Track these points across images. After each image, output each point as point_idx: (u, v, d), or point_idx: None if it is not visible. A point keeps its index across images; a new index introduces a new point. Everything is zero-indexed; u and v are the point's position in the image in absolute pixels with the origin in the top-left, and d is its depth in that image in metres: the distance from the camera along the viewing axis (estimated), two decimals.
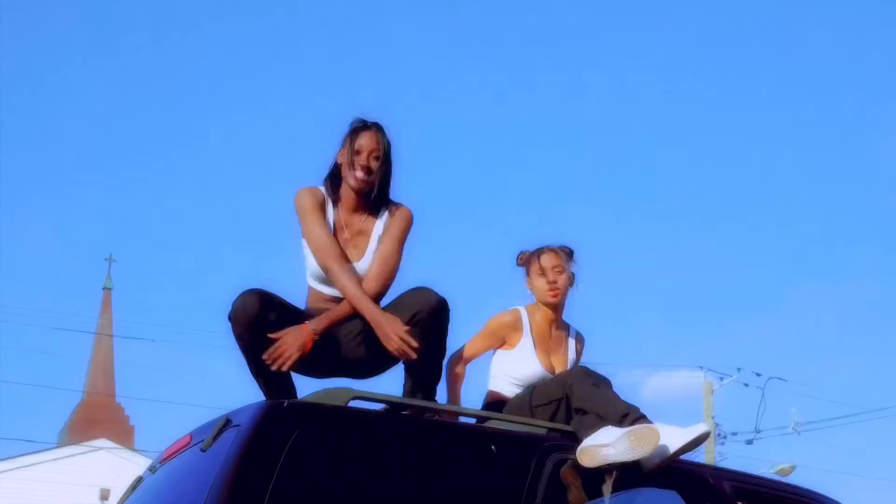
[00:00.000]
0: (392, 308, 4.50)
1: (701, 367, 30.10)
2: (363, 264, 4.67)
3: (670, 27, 48.23)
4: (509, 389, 5.03)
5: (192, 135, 49.91)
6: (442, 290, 4.51)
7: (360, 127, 4.77)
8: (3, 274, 44.88)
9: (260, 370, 4.37)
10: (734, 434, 29.46)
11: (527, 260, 5.28)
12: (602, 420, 4.40)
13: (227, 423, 3.94)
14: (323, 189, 4.77)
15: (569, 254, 5.29)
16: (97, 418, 31.52)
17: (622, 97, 48.50)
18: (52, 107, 48.71)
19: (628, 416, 4.39)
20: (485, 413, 4.74)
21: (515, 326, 5.13)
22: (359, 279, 4.56)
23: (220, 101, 50.27)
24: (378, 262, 4.66)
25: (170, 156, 49.27)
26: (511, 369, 5.07)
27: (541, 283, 5.18)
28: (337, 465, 3.84)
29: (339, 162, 4.78)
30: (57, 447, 29.70)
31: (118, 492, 23.21)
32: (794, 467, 26.74)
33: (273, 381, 4.39)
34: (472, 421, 4.65)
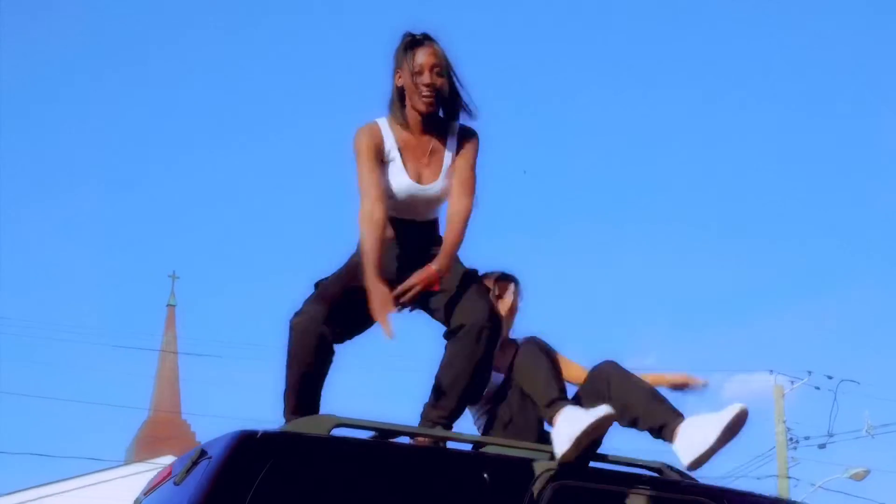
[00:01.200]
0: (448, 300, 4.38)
1: (771, 371, 29.77)
2: (438, 185, 4.54)
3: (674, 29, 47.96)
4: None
5: (255, 149, 50.22)
6: None
7: (413, 43, 4.51)
8: (68, 294, 45.47)
9: (297, 383, 4.28)
10: (807, 438, 29.07)
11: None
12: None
13: (201, 454, 3.81)
14: (385, 122, 4.59)
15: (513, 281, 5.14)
16: (163, 435, 31.81)
17: (625, 98, 48.28)
18: (110, 124, 49.30)
19: (553, 404, 4.24)
20: (483, 438, 4.49)
21: None
22: (378, 247, 4.37)
23: (287, 111, 50.50)
24: (458, 182, 4.51)
25: (232, 169, 49.62)
26: None
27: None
28: (314, 498, 3.65)
29: (399, 85, 4.54)
30: (124, 465, 29.99)
31: None
32: (868, 471, 26.38)
33: (303, 396, 4.30)
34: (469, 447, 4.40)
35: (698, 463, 4.09)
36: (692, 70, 47.56)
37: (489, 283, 5.01)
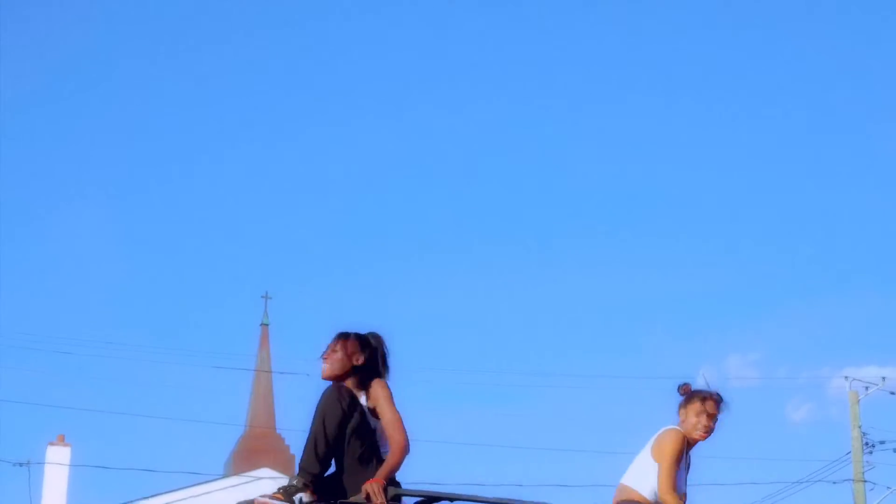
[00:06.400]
0: None
1: (846, 378, 30.36)
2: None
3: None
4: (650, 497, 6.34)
5: (343, 161, 51.32)
6: None
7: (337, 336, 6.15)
8: (167, 318, 47.06)
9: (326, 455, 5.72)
10: (882, 443, 29.58)
11: (690, 395, 6.58)
12: None
13: None
14: None
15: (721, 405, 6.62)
16: (260, 449, 33.05)
17: (617, 94, 49.04)
18: (203, 150, 50.83)
19: None
20: (507, 500, 5.75)
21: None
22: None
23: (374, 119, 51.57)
24: (386, 422, 5.83)
25: (322, 190, 50.89)
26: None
27: (697, 421, 6.46)
28: None
29: None
30: (223, 477, 31.29)
31: None
32: None
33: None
34: None
35: None
36: (687, 69, 48.61)
37: (698, 401, 6.59)
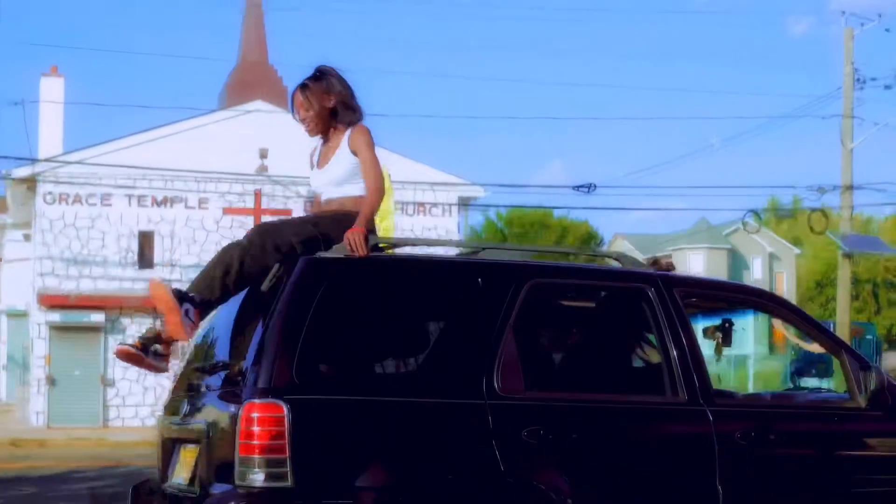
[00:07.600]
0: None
1: (843, 12, 30.18)
2: (326, 171, 5.85)
3: None
4: None
5: None
6: None
7: (294, 90, 5.91)
8: None
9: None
10: (873, 80, 29.77)
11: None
12: None
13: (281, 270, 5.25)
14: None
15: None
16: (252, 81, 33.09)
17: None
18: None
19: None
20: (480, 245, 5.91)
21: None
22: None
23: None
24: (363, 163, 5.74)
25: None
26: None
27: None
28: (360, 300, 5.19)
29: None
30: (217, 111, 31.53)
31: (275, 151, 25.41)
32: None
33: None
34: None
35: None
36: None
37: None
